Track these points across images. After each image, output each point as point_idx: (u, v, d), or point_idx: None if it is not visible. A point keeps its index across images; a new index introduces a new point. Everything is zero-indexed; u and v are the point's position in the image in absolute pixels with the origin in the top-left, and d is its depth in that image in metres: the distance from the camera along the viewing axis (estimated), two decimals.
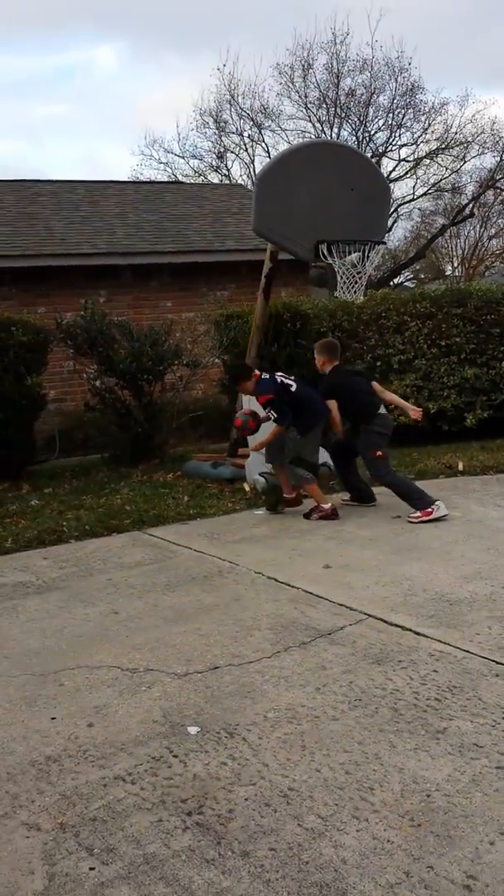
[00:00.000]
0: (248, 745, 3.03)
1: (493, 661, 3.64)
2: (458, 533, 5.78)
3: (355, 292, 7.35)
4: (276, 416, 6.44)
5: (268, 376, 6.54)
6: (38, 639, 4.22)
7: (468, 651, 3.75)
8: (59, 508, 7.06)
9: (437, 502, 6.14)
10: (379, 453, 6.41)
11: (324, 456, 7.79)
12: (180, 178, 27.56)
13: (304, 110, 27.94)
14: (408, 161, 28.60)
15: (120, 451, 9.15)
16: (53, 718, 3.33)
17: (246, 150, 29.02)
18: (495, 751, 2.90)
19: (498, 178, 29.89)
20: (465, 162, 28.98)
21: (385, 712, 3.22)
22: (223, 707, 3.34)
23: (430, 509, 6.11)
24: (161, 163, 29.64)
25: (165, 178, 27.05)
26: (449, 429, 9.62)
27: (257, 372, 6.65)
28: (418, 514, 6.13)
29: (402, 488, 6.35)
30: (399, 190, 28.45)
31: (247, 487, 7.38)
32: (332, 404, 6.59)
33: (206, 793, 2.75)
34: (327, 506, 6.41)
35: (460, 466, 8.00)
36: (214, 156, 29.09)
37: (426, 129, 27.80)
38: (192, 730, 3.16)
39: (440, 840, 2.44)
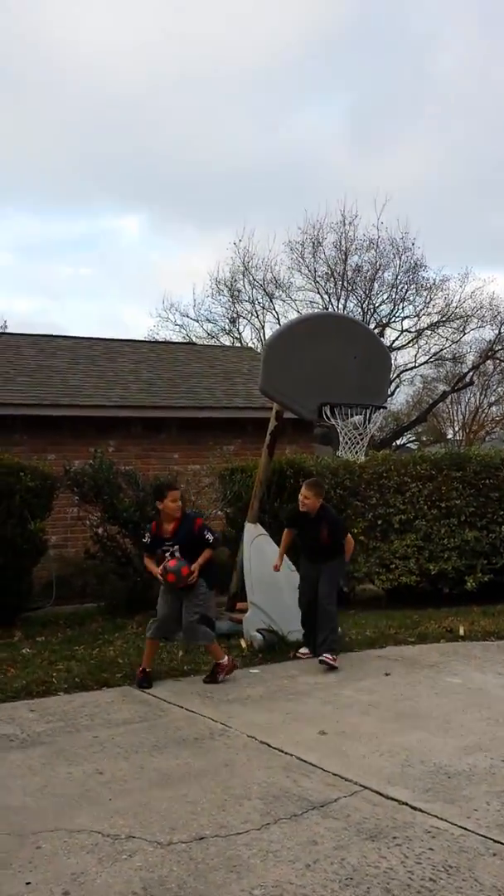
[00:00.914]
0: None
1: (491, 839, 3.46)
2: (459, 701, 5.62)
3: (357, 452, 7.56)
4: (212, 536, 6.24)
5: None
6: (18, 796, 4.03)
7: (465, 828, 3.58)
8: (51, 658, 6.92)
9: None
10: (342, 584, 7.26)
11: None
12: (194, 339, 28.89)
13: (313, 283, 29.68)
14: (410, 332, 30.05)
15: (117, 600, 9.07)
16: (28, 883, 3.14)
17: (257, 316, 30.60)
18: None
19: (497, 349, 31.25)
20: (465, 334, 30.41)
21: (377, 892, 3.04)
22: (207, 881, 3.15)
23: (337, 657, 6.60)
24: (177, 325, 31.11)
25: (180, 339, 28.36)
26: (450, 591, 9.55)
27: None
28: (333, 657, 6.54)
29: (335, 624, 6.78)
30: (402, 357, 29.72)
31: (244, 644, 7.25)
32: (350, 539, 7.14)
33: None
34: (226, 660, 6.26)
35: (461, 631, 7.88)
36: (227, 320, 30.63)
37: (428, 303, 29.39)
38: None
39: None
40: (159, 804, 3.91)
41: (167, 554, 6.18)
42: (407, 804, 3.87)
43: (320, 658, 6.56)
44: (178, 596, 6.22)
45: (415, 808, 3.81)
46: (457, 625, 8.08)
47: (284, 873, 3.21)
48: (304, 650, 7.03)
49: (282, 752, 4.65)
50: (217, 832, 3.59)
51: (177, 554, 6.16)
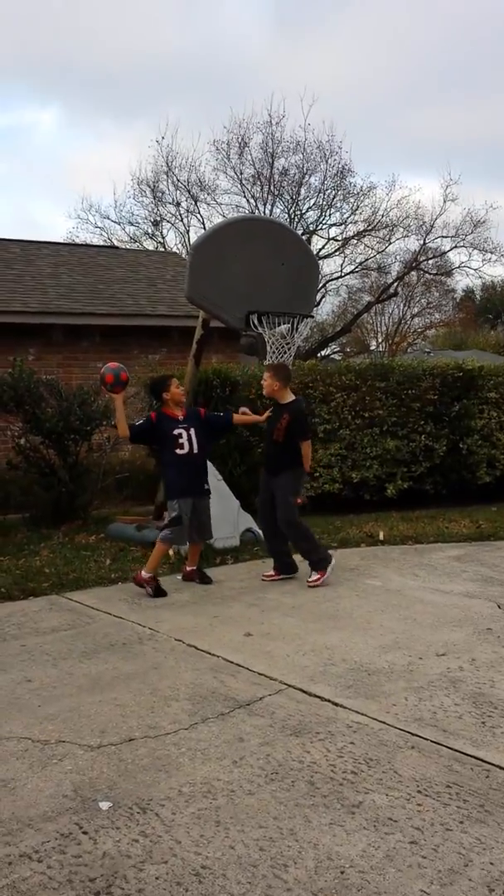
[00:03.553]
0: (160, 821, 2.95)
1: (409, 732, 3.66)
2: (378, 602, 5.84)
3: (284, 362, 7.52)
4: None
5: None
6: None
7: (385, 722, 3.77)
8: None
9: (332, 562, 6.41)
10: (299, 500, 6.55)
11: (248, 521, 7.82)
12: (116, 242, 27.91)
13: (240, 186, 28.91)
14: (336, 240, 29.77)
15: (42, 511, 8.99)
16: None
17: (181, 220, 29.73)
18: (409, 825, 2.90)
19: (421, 260, 31.33)
20: (391, 244, 30.33)
21: (301, 786, 3.19)
22: (137, 781, 3.25)
23: (326, 571, 6.34)
24: (97, 227, 29.97)
25: (101, 243, 27.35)
26: (371, 498, 9.81)
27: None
28: (317, 576, 6.32)
29: (305, 541, 6.46)
30: (328, 267, 29.51)
31: (170, 552, 7.31)
32: (307, 445, 6.47)
33: (116, 871, 2.65)
34: (147, 576, 6.16)
35: (381, 536, 8.14)
36: (150, 223, 29.65)
37: (354, 210, 29.06)
38: (104, 805, 3.06)
39: None
40: (89, 709, 3.97)
41: (182, 433, 6.24)
42: (329, 701, 4.04)
43: (309, 585, 6.28)
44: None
45: (336, 705, 3.99)
46: (377, 530, 8.34)
47: (212, 770, 3.33)
48: (268, 573, 6.61)
49: (209, 653, 4.77)
50: (146, 733, 3.68)
51: (192, 433, 6.25)
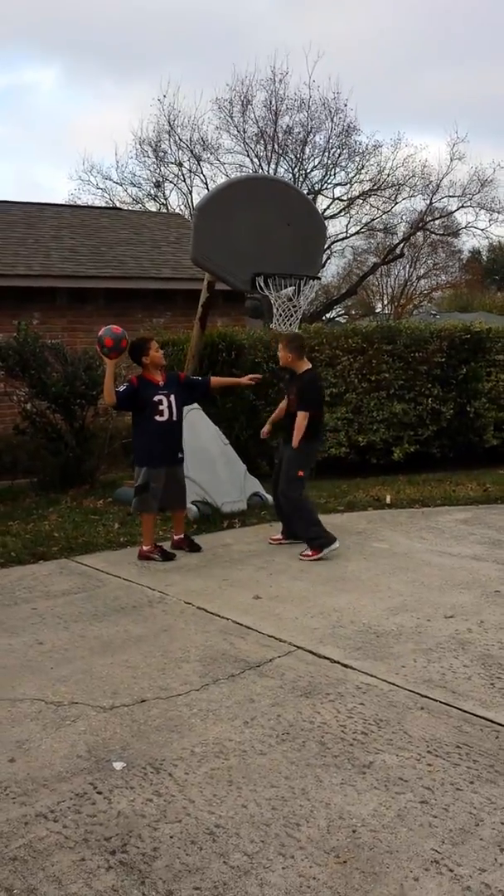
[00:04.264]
0: (174, 780, 2.99)
1: (419, 693, 3.69)
2: (386, 565, 5.86)
3: (290, 325, 7.46)
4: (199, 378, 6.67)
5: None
6: None
7: (394, 684, 3.80)
8: None
9: (331, 545, 6.08)
10: (301, 473, 6.25)
11: (255, 485, 7.82)
12: (118, 204, 27.60)
13: (243, 145, 28.49)
14: (342, 200, 29.38)
15: (49, 476, 9.00)
16: None
17: (184, 180, 29.35)
18: (420, 785, 2.93)
19: (427, 220, 30.93)
20: (397, 203, 29.95)
21: (312, 746, 3.23)
22: (149, 741, 3.28)
23: (321, 552, 6.04)
24: (99, 188, 29.63)
25: (103, 204, 27.03)
26: (377, 462, 9.80)
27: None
28: (309, 552, 6.08)
29: (306, 515, 6.21)
30: (333, 227, 29.20)
31: (188, 515, 7.32)
32: (303, 416, 6.15)
33: (131, 830, 2.69)
34: (147, 548, 6.15)
35: (388, 499, 8.14)
36: (152, 184, 29.28)
37: (360, 169, 28.64)
38: (118, 765, 3.10)
39: (365, 877, 2.44)
40: (100, 671, 4.01)
41: (162, 399, 6.07)
42: (338, 662, 4.07)
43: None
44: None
45: (346, 666, 4.02)
46: (384, 493, 8.34)
47: (224, 730, 3.36)
48: (276, 536, 6.60)
49: (218, 616, 4.80)
50: (158, 694, 3.72)
51: (172, 399, 6.11)
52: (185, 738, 3.30)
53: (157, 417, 6.07)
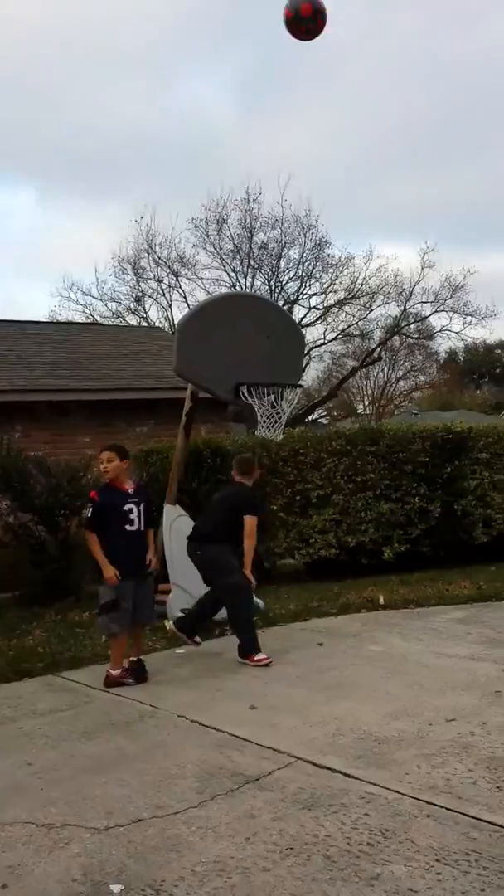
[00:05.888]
0: None
1: (424, 801, 3.56)
2: (383, 669, 5.75)
3: (275, 431, 7.59)
4: (88, 515, 5.75)
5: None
6: None
7: (398, 792, 3.67)
8: None
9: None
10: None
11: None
12: (98, 319, 28.35)
13: (220, 260, 29.63)
14: (318, 309, 30.38)
15: (33, 589, 8.85)
16: None
17: (164, 295, 30.30)
18: (430, 895, 2.80)
19: (402, 325, 31.96)
20: (372, 310, 30.96)
21: (317, 860, 3.08)
22: (148, 862, 3.12)
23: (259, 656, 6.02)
24: (79, 304, 30.38)
25: (84, 320, 27.75)
26: (368, 562, 9.76)
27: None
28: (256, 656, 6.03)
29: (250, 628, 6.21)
30: (310, 334, 30.06)
31: (168, 625, 7.20)
32: (252, 522, 6.16)
33: None
34: (117, 672, 5.68)
35: (381, 600, 8.06)
36: (132, 299, 30.19)
37: (334, 280, 29.76)
38: (115, 888, 2.93)
39: None
40: (93, 790, 3.85)
41: (132, 508, 5.74)
42: (340, 772, 3.93)
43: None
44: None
45: (348, 776, 3.88)
46: (377, 594, 8.27)
47: (225, 848, 3.21)
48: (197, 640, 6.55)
49: (213, 729, 4.65)
50: (154, 813, 3.56)
51: (142, 509, 5.78)
52: (184, 858, 3.15)
53: (128, 527, 5.74)
